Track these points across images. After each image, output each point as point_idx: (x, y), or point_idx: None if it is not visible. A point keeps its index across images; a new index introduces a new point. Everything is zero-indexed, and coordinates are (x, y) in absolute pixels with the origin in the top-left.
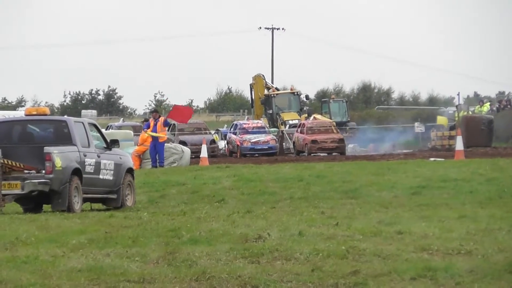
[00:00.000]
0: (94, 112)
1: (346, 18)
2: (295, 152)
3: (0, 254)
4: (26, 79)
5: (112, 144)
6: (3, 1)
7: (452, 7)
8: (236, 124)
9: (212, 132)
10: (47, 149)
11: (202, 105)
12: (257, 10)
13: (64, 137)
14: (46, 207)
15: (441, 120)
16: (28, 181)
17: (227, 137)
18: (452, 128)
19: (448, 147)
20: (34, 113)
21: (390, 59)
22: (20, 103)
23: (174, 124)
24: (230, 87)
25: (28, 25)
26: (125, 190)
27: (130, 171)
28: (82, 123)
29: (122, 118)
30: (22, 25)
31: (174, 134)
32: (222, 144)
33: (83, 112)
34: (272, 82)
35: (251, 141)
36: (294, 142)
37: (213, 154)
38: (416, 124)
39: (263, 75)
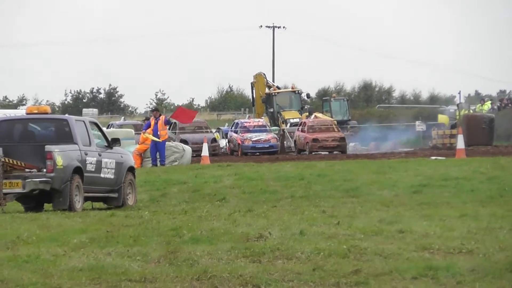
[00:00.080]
0: (95, 110)
1: (347, 16)
2: (296, 151)
3: (1, 253)
4: (27, 78)
5: (113, 142)
6: None
7: (454, 5)
8: (237, 123)
9: (213, 130)
10: (48, 147)
11: (203, 104)
12: (258, 9)
13: (65, 136)
14: (47, 206)
15: (442, 118)
16: (29, 180)
17: (228, 135)
18: (453, 126)
19: (449, 145)
20: (35, 111)
21: (391, 57)
22: (21, 102)
23: (175, 122)
24: (231, 86)
25: (29, 23)
26: (126, 189)
27: (131, 169)
28: (83, 121)
29: (123, 117)
30: (23, 24)
31: (175, 132)
32: (223, 142)
33: (84, 110)
34: (273, 81)
35: (252, 139)
36: (295, 141)
37: (214, 152)
38: (417, 122)
39: (264, 74)
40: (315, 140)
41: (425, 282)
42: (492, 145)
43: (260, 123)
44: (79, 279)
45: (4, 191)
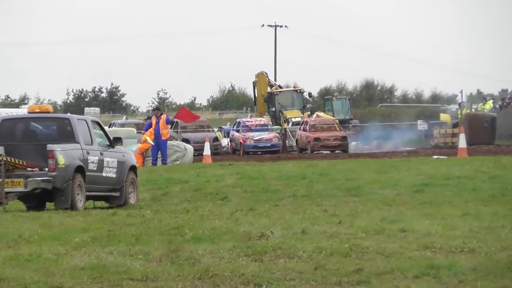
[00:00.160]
0: (97, 109)
1: (349, 15)
2: (298, 150)
3: (3, 252)
4: (29, 77)
5: (115, 141)
6: None
7: (455, 5)
8: (239, 122)
9: (215, 129)
10: (50, 146)
11: (205, 103)
12: (260, 8)
13: (67, 135)
14: (49, 205)
15: (444, 117)
16: (31, 178)
17: (230, 134)
18: (455, 125)
19: (451, 144)
20: (37, 110)
21: (393, 56)
22: (23, 101)
23: (177, 121)
24: (233, 85)
25: (31, 22)
26: (128, 188)
27: (133, 168)
28: (85, 120)
29: (125, 116)
30: (24, 23)
31: (177, 132)
32: (225, 141)
33: (86, 109)
34: (275, 80)
35: (254, 138)
36: (297, 140)
37: (216, 151)
38: (419, 121)
39: (266, 73)
40: (317, 139)
41: (427, 281)
42: (494, 144)
43: (262, 122)
44: (81, 278)
45: (6, 190)
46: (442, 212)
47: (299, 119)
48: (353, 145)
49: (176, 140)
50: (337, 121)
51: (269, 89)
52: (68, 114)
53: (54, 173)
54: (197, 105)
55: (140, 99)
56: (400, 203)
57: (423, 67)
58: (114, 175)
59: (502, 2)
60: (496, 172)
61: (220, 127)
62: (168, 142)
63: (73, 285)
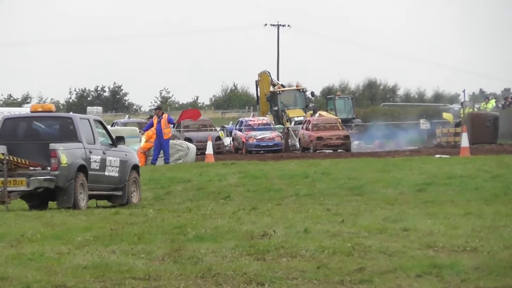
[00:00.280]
0: (100, 109)
1: (352, 15)
2: (300, 149)
3: (6, 251)
4: (32, 76)
5: (117, 141)
6: None
7: (458, 4)
8: (242, 121)
9: (218, 129)
10: (52, 145)
11: (207, 102)
12: (263, 7)
13: (69, 134)
14: (51, 204)
15: (447, 116)
16: (34, 177)
17: (233, 134)
18: (457, 125)
19: (453, 144)
20: (40, 109)
21: (396, 56)
22: (25, 100)
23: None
24: (235, 84)
25: (32, 21)
26: (130, 187)
27: (135, 167)
28: (88, 119)
29: (127, 115)
30: (26, 22)
31: (180, 131)
32: (227, 141)
33: (89, 109)
34: (278, 79)
35: (257, 138)
36: (299, 139)
37: (219, 151)
38: (421, 121)
39: (268, 72)
40: (319, 138)
41: (429, 280)
42: (497, 143)
43: (264, 121)
44: (83, 277)
45: (9, 189)
46: (444, 211)
47: (302, 118)
48: (356, 144)
49: (178, 139)
50: (340, 120)
51: (271, 88)
52: (71, 113)
53: (56, 172)
54: (199, 104)
55: (143, 98)
56: (403, 202)
57: (425, 67)
58: (116, 174)
59: (505, 0)
60: (498, 171)
61: (223, 126)
62: (170, 141)
63: (75, 284)
